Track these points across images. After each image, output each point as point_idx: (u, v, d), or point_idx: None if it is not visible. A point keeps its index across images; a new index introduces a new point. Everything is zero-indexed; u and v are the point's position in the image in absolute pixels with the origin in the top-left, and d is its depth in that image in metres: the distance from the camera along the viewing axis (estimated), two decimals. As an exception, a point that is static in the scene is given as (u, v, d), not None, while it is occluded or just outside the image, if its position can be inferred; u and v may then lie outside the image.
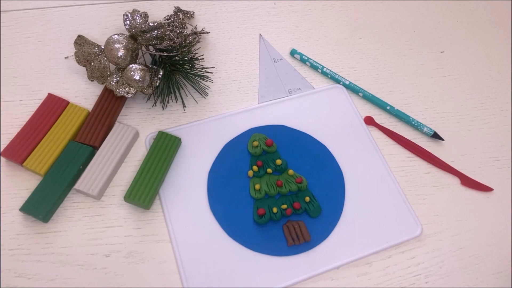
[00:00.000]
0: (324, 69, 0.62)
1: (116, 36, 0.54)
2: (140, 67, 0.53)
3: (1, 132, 0.54)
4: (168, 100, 0.58)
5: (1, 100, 0.57)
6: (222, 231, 0.50)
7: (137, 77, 0.53)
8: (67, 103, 0.55)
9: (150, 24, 0.53)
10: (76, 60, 0.56)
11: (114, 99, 0.55)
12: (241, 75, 0.62)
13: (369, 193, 0.53)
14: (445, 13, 0.72)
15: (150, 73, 0.55)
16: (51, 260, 0.47)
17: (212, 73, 0.61)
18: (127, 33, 0.55)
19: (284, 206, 0.50)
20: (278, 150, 0.55)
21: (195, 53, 0.58)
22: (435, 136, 0.58)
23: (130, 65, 0.54)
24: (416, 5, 0.72)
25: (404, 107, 0.61)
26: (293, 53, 0.64)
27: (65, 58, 0.61)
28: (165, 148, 0.52)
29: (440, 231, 0.52)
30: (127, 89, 0.54)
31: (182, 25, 0.63)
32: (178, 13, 0.65)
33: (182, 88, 0.59)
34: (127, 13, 0.54)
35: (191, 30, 0.63)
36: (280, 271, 0.48)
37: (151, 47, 0.57)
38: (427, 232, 0.52)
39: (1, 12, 0.64)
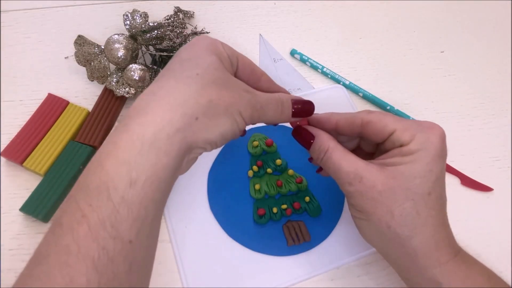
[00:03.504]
0: (324, 69, 0.62)
1: (116, 36, 0.54)
2: (140, 67, 0.54)
3: (1, 132, 0.54)
4: (168, 100, 0.58)
5: (1, 100, 0.57)
6: (222, 231, 0.49)
7: (137, 77, 0.53)
8: (67, 103, 0.55)
9: (150, 24, 0.53)
10: (76, 60, 0.56)
11: (114, 99, 0.55)
12: (241, 75, 0.62)
13: (369, 193, 0.53)
14: (445, 13, 0.71)
15: (150, 73, 0.55)
16: (51, 260, 0.47)
17: (212, 73, 0.61)
18: (127, 33, 0.55)
19: (284, 206, 0.50)
20: (278, 150, 0.55)
21: (195, 53, 0.58)
22: (435, 136, 0.58)
23: (130, 65, 0.54)
24: (416, 5, 0.72)
25: (404, 107, 0.61)
26: (293, 53, 0.64)
27: (65, 58, 0.61)
28: (165, 148, 0.52)
29: (440, 231, 0.52)
30: (127, 89, 0.54)
31: (182, 25, 0.63)
32: (178, 13, 0.65)
33: (182, 88, 0.59)
34: (127, 13, 0.54)
35: (191, 30, 0.63)
36: (280, 271, 0.48)
37: (151, 47, 0.57)
38: (427, 232, 0.52)
39: (1, 12, 0.64)
